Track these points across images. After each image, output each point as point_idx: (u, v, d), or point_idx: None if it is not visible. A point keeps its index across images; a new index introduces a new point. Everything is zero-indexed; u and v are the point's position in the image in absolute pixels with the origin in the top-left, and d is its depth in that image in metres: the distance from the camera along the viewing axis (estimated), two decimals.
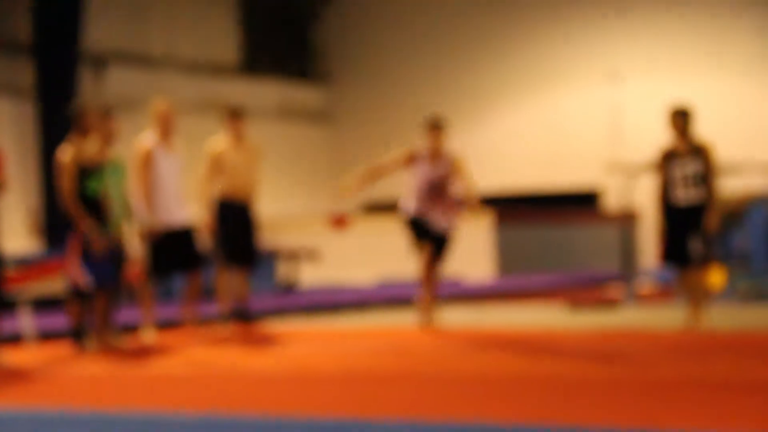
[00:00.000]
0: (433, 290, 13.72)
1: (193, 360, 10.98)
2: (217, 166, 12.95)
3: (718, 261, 15.46)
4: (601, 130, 24.29)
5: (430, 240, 13.44)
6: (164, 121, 12.42)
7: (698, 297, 12.45)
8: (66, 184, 11.36)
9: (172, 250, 12.51)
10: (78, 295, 11.68)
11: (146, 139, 12.47)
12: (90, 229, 11.24)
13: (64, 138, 12.33)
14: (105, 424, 6.97)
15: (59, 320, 12.85)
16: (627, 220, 17.71)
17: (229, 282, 13.48)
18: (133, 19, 24.55)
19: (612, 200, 20.11)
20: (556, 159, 25.52)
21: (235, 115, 13.28)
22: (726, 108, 19.64)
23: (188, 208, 12.71)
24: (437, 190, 13.70)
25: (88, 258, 11.37)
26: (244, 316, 13.28)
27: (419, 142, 13.60)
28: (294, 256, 20.34)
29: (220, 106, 14.48)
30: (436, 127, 13.61)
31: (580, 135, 25.19)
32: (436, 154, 13.68)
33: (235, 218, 13.07)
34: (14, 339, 11.77)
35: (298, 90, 28.04)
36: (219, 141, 13.20)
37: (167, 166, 12.37)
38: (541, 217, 24.66)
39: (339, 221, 22.66)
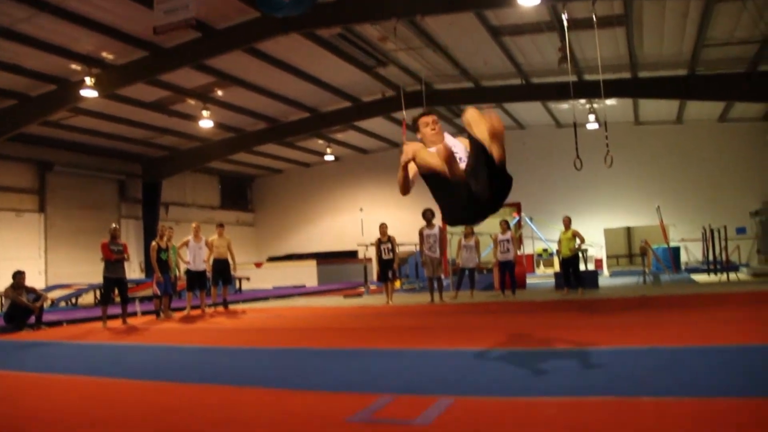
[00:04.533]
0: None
1: (206, 321, 10.94)
2: (212, 246, 12.71)
3: (398, 278, 16.19)
4: (356, 230, 23.99)
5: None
6: (196, 230, 12.50)
7: (390, 292, 12.71)
8: (153, 255, 11.70)
9: (197, 279, 12.49)
10: (156, 297, 11.91)
11: (188, 237, 12.54)
12: (159, 272, 11.60)
13: (153, 236, 13.15)
14: (172, 350, 7.56)
15: (150, 307, 12.87)
16: (366, 262, 18.00)
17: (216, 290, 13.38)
18: (179, 189, 24.20)
19: (360, 255, 20.47)
20: (341, 240, 25.27)
21: (220, 225, 13.23)
22: (399, 222, 20.41)
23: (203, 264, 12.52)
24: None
25: (159, 283, 11.68)
26: (225, 304, 13.27)
27: None
28: (241, 278, 19.96)
29: (214, 221, 14.93)
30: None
31: (349, 232, 24.77)
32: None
33: (218, 265, 12.83)
34: (133, 314, 12.07)
35: (243, 214, 27.76)
36: (213, 237, 12.94)
37: (196, 248, 12.39)
38: (336, 261, 24.46)
39: (258, 264, 23.30)
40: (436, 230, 12.50)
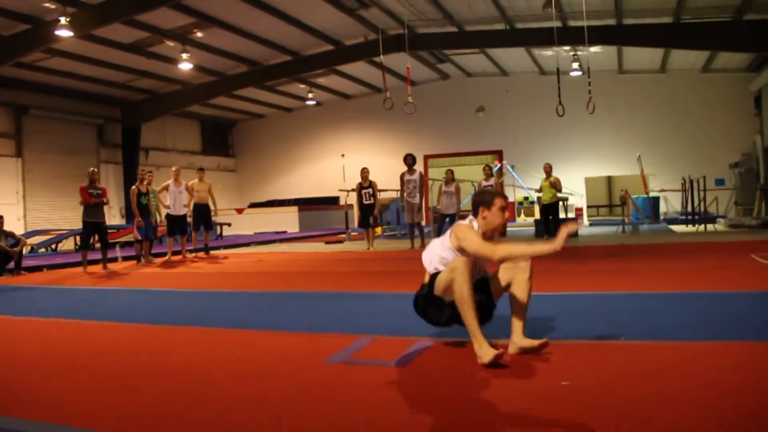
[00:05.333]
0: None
1: (187, 266, 10.85)
2: (192, 190, 12.48)
3: (379, 225, 16.46)
4: (337, 176, 24.30)
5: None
6: (176, 174, 12.33)
7: (371, 238, 12.74)
8: (133, 199, 11.54)
9: (177, 224, 12.35)
10: (137, 242, 11.89)
11: (168, 181, 12.29)
12: (139, 217, 11.46)
13: (133, 181, 12.94)
14: (153, 294, 7.58)
15: (130, 252, 12.69)
16: (347, 208, 17.90)
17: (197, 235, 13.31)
18: (159, 134, 23.75)
19: (342, 201, 20.48)
20: (323, 186, 25.10)
21: (200, 169, 13.08)
22: (381, 168, 20.39)
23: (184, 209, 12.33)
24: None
25: (139, 227, 11.60)
26: (206, 249, 13.29)
27: None
28: (222, 224, 19.69)
29: (195, 167, 14.76)
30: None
31: (330, 178, 24.75)
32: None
33: (198, 210, 12.73)
34: (113, 260, 11.95)
35: (224, 160, 27.46)
36: (194, 181, 12.76)
37: (176, 192, 12.22)
38: (318, 207, 24.31)
39: (239, 210, 23.15)
40: (416, 176, 12.35)
